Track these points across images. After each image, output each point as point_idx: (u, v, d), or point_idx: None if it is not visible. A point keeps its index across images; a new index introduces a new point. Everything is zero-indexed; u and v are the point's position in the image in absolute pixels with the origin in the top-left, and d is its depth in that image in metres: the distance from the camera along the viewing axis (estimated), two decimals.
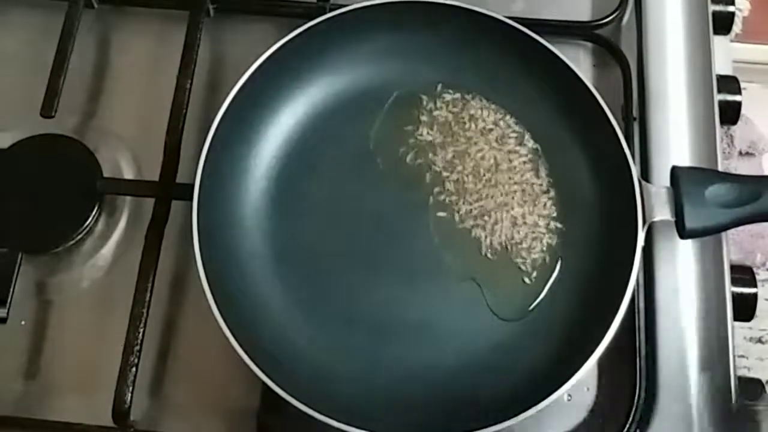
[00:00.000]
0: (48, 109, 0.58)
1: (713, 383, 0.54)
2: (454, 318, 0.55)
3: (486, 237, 0.57)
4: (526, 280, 0.56)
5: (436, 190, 0.58)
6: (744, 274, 0.58)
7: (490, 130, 0.60)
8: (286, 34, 0.57)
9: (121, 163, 0.60)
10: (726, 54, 0.67)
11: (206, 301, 0.50)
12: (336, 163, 0.59)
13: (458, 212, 0.58)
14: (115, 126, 0.62)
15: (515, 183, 0.59)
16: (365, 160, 0.59)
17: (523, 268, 0.56)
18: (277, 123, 0.59)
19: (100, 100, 0.63)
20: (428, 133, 0.60)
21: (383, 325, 0.55)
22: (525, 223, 0.57)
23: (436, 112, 0.61)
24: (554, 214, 0.58)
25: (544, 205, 0.58)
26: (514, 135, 0.60)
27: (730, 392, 0.53)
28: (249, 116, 0.58)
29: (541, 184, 0.59)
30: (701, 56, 0.63)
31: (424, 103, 0.61)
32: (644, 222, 0.53)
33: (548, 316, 0.55)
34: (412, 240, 0.57)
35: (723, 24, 0.66)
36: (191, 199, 0.53)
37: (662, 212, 0.53)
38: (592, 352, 0.49)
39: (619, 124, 0.56)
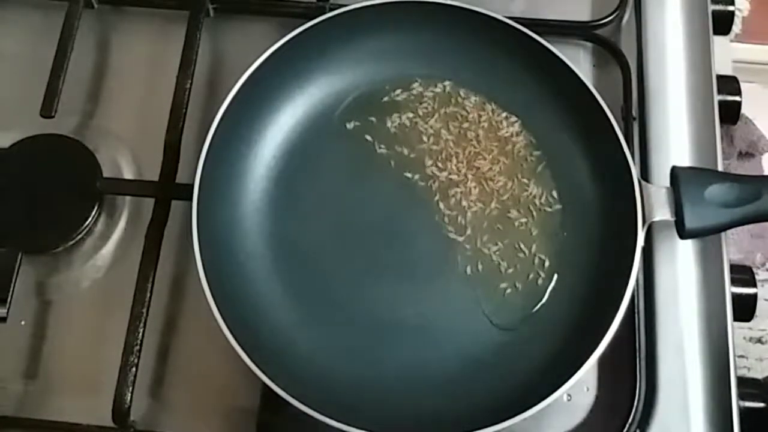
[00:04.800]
0: (48, 109, 0.58)
1: (713, 383, 0.54)
2: (454, 318, 0.55)
3: (486, 240, 0.57)
4: (526, 284, 0.56)
5: (438, 191, 0.58)
6: (744, 274, 0.58)
7: (490, 130, 0.60)
8: (286, 34, 0.57)
9: (121, 163, 0.60)
10: (726, 54, 0.67)
11: (206, 301, 0.50)
12: (336, 163, 0.59)
13: (459, 213, 0.58)
14: (115, 126, 0.62)
15: (515, 184, 0.59)
16: (366, 159, 0.59)
17: (522, 272, 0.56)
18: (277, 123, 0.59)
19: (100, 100, 0.63)
20: (430, 133, 0.60)
21: (383, 326, 0.55)
22: (525, 224, 0.57)
23: (436, 113, 0.61)
24: (554, 215, 0.58)
25: (544, 205, 0.58)
26: (514, 135, 0.60)
27: (730, 392, 0.53)
28: (249, 116, 0.58)
29: (540, 185, 0.58)
30: (701, 56, 0.63)
31: (425, 103, 0.61)
32: (644, 222, 0.53)
33: (549, 318, 0.55)
34: (412, 240, 0.57)
35: (723, 24, 0.66)
36: (191, 199, 0.53)
37: (662, 212, 0.53)
38: (592, 352, 0.49)
39: (619, 124, 0.56)
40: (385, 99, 0.61)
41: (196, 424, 0.54)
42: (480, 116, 0.60)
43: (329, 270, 0.56)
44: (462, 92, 0.61)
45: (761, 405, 0.54)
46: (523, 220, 0.57)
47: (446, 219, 0.57)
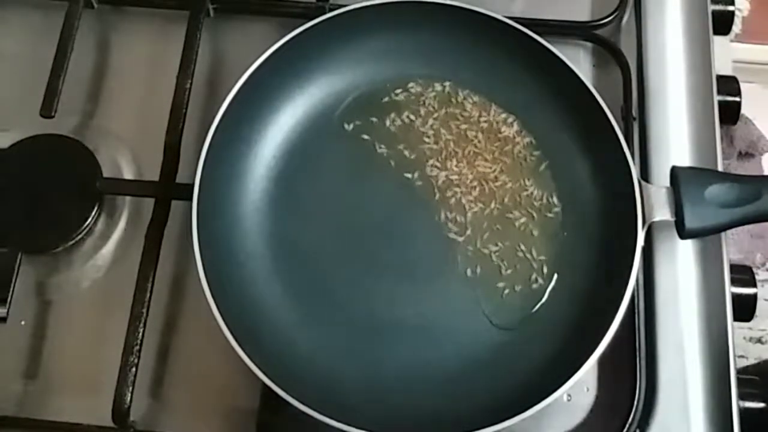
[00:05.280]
0: (48, 109, 0.58)
1: (713, 383, 0.54)
2: (454, 318, 0.55)
3: (486, 240, 0.57)
4: (526, 285, 0.56)
5: (438, 191, 0.58)
6: (744, 274, 0.58)
7: (490, 130, 0.60)
8: (286, 34, 0.57)
9: (121, 163, 0.60)
10: (726, 54, 0.67)
11: (206, 301, 0.50)
12: (336, 163, 0.59)
13: (459, 214, 0.58)
14: (115, 126, 0.62)
15: (515, 184, 0.59)
16: (366, 159, 0.59)
17: (522, 272, 0.56)
18: (277, 123, 0.59)
19: (100, 100, 0.63)
20: (430, 133, 0.60)
21: (383, 326, 0.55)
22: (525, 225, 0.57)
23: (436, 113, 0.61)
24: (554, 215, 0.58)
25: (544, 206, 0.58)
26: (514, 135, 0.60)
27: (730, 392, 0.53)
28: (249, 116, 0.58)
29: (540, 185, 0.58)
30: (701, 56, 0.63)
31: (425, 103, 0.61)
32: (644, 222, 0.53)
33: (549, 318, 0.55)
34: (412, 240, 0.57)
35: (723, 24, 0.66)
36: (191, 199, 0.53)
37: (662, 212, 0.53)
38: (592, 352, 0.49)
39: (619, 124, 0.56)
40: (385, 99, 0.61)
41: (196, 424, 0.54)
42: (480, 116, 0.60)
43: (329, 270, 0.56)
44: (462, 92, 0.61)
45: (761, 405, 0.54)
46: (523, 220, 0.57)
47: (446, 219, 0.57)
